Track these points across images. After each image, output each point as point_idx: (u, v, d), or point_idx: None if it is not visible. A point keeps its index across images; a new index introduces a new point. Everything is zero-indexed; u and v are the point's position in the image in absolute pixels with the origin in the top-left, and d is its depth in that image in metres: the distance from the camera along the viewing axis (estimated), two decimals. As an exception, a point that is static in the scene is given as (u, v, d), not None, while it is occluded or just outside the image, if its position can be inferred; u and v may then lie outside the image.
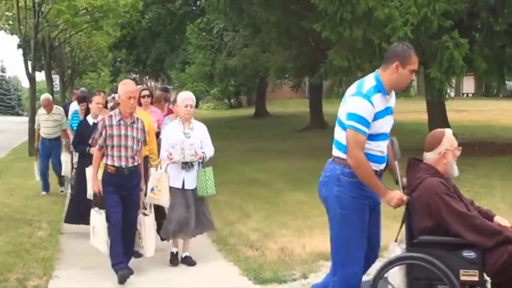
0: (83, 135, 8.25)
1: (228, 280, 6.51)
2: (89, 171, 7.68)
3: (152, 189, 6.94)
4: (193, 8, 38.00)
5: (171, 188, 6.92)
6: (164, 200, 6.93)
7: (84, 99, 10.38)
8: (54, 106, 12.16)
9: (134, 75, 51.75)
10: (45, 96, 12.40)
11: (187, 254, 7.12)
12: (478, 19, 15.00)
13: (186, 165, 6.92)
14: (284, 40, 17.88)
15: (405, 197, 4.43)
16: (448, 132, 4.71)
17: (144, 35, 38.76)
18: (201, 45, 27.60)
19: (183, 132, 6.96)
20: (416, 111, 26.94)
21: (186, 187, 6.96)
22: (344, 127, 4.47)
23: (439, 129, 4.83)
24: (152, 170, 7.34)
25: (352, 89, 4.54)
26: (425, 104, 18.23)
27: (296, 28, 16.71)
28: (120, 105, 6.57)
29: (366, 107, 4.35)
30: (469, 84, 49.76)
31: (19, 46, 31.18)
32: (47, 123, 11.87)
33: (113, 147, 6.46)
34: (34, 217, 9.54)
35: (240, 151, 18.56)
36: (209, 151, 7.06)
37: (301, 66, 18.39)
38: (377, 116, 4.40)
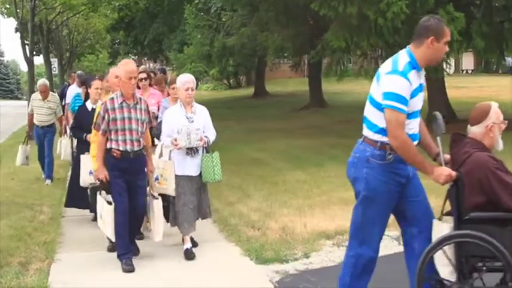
0: (81, 121, 8.09)
1: (229, 260, 6.54)
2: (84, 158, 7.64)
3: (157, 178, 6.73)
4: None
5: (176, 176, 6.61)
6: (170, 189, 6.64)
7: (84, 83, 10.16)
8: (50, 93, 11.66)
9: (133, 57, 51.60)
10: (43, 81, 11.95)
11: (188, 246, 6.72)
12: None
13: (191, 151, 6.61)
14: (282, 19, 17.80)
15: (454, 173, 4.30)
16: (495, 105, 4.53)
17: (142, 16, 38.60)
18: (199, 25, 27.45)
19: (185, 116, 6.63)
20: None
21: (191, 173, 6.64)
22: (380, 107, 4.32)
23: (484, 103, 4.61)
24: (156, 158, 6.94)
25: (386, 66, 4.37)
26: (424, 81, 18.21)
27: (294, 6, 16.64)
28: (121, 86, 6.32)
29: (404, 85, 4.21)
30: (468, 61, 49.59)
31: (16, 30, 31.03)
32: (41, 110, 11.39)
33: (116, 131, 6.23)
34: (35, 201, 9.55)
35: (239, 131, 18.54)
36: (211, 135, 6.81)
37: (299, 44, 18.32)
38: (413, 94, 4.27)
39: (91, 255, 6.86)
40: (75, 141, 9.72)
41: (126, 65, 6.39)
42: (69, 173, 9.99)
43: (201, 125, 6.69)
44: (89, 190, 7.21)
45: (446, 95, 17.94)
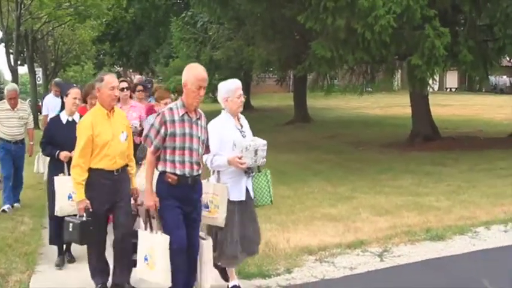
0: (53, 135, 6.85)
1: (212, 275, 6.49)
2: (59, 180, 6.54)
3: (206, 207, 5.46)
4: (178, 1, 37.88)
5: (229, 202, 5.44)
6: (221, 219, 5.44)
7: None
8: (19, 101, 9.86)
9: (118, 68, 51.51)
10: (12, 86, 10.08)
11: (235, 283, 5.77)
12: (461, 13, 15.10)
13: (250, 170, 5.56)
14: (268, 33, 17.87)
15: None
16: None
17: (128, 28, 38.60)
18: (184, 38, 27.50)
19: (237, 129, 5.64)
20: (400, 105, 27.06)
21: (244, 198, 5.57)
22: None
23: None
24: (204, 182, 5.50)
25: None
26: (409, 98, 18.33)
27: (280, 21, 16.72)
28: (185, 95, 5.18)
29: None
30: (452, 79, 50.09)
31: (1, 40, 30.91)
32: (11, 122, 9.57)
33: (174, 149, 5.11)
34: (16, 212, 9.47)
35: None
36: None
37: (285, 59, 18.37)
38: None
39: (72, 267, 6.79)
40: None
41: (195, 70, 5.24)
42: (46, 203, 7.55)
43: (250, 137, 5.70)
44: (68, 222, 5.59)
45: (430, 112, 18.06)
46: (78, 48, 39.04)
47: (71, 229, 5.52)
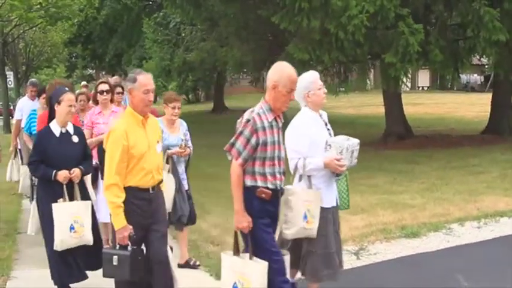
0: (46, 150, 5.60)
1: (189, 276, 6.49)
2: (58, 209, 5.49)
3: (305, 217, 4.73)
4: (150, 2, 37.73)
5: (322, 210, 4.86)
6: (315, 231, 4.83)
7: (41, 93, 8.40)
8: None
9: (90, 71, 51.12)
10: None
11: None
12: (432, 13, 15.27)
13: (337, 175, 5.01)
14: (242, 34, 17.89)
15: None
16: None
17: (101, 30, 38.34)
18: (157, 40, 27.40)
19: (325, 127, 5.06)
20: (373, 104, 27.25)
21: (334, 204, 5.08)
22: None
23: None
24: (298, 189, 4.82)
25: None
26: (382, 97, 18.47)
27: (254, 22, 16.74)
28: (273, 98, 4.54)
29: None
30: (424, 78, 50.63)
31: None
32: None
33: (264, 160, 4.50)
34: (-11, 217, 9.34)
35: (198, 146, 18.31)
36: None
37: (259, 59, 18.41)
38: None
39: (48, 272, 6.72)
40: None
41: (289, 70, 4.55)
42: (42, 236, 6.05)
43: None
44: (111, 255, 4.74)
45: (403, 111, 18.22)
46: (50, 51, 38.70)
47: (115, 263, 4.66)
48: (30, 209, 6.78)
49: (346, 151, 4.80)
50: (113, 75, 49.85)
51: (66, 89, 5.93)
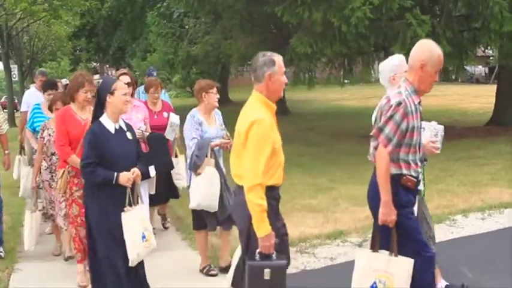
0: (104, 152, 4.83)
1: (192, 268, 6.50)
2: (128, 219, 4.80)
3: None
4: (154, -5, 37.69)
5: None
6: None
7: (53, 86, 7.68)
8: None
9: (95, 64, 51.15)
10: None
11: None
12: (437, 4, 15.21)
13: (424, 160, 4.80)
14: (246, 26, 17.86)
15: None
16: None
17: (104, 23, 38.31)
18: (161, 33, 27.35)
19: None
20: (377, 96, 27.20)
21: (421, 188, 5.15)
22: None
23: None
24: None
25: None
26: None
27: (258, 14, 16.70)
28: (419, 79, 4.32)
29: None
30: (428, 69, 50.43)
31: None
32: None
33: (409, 147, 4.28)
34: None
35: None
36: None
37: (263, 52, 18.36)
38: None
39: (51, 265, 6.76)
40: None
41: (438, 49, 4.34)
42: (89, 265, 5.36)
43: None
44: (261, 268, 4.03)
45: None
46: (54, 44, 38.75)
47: (267, 277, 4.00)
48: (26, 220, 6.75)
49: (440, 135, 4.84)
50: (117, 69, 49.96)
51: (116, 78, 5.37)
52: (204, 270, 6.26)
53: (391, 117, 4.17)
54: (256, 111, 4.18)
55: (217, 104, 6.31)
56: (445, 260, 5.57)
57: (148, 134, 6.83)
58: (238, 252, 4.51)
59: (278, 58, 4.25)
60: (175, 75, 37.00)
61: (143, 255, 4.94)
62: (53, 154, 6.64)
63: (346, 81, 19.25)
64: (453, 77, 48.30)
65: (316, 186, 10.21)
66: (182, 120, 6.77)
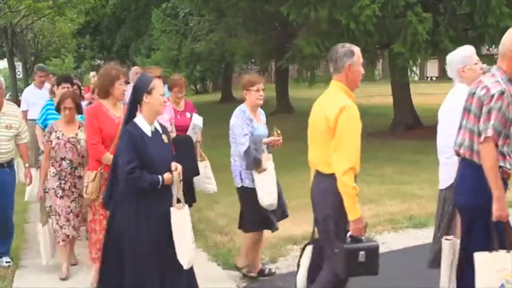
0: (143, 155, 4.41)
1: (197, 266, 6.49)
2: (185, 217, 4.53)
3: None
4: (158, -8, 37.70)
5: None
6: None
7: (67, 79, 7.25)
8: (5, 101, 6.58)
9: (99, 61, 51.18)
10: None
11: None
12: (441, 2, 15.19)
13: None
14: (250, 24, 17.88)
15: None
16: None
17: (109, 21, 38.36)
18: (165, 30, 27.36)
19: None
20: (381, 94, 27.16)
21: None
22: None
23: None
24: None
25: None
26: (390, 87, 18.41)
27: (262, 12, 16.71)
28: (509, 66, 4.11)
29: None
30: (433, 68, 50.27)
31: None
32: None
33: (506, 138, 4.10)
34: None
35: (207, 136, 18.39)
36: None
37: (267, 50, 18.38)
38: None
39: (56, 262, 6.76)
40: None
41: None
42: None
43: None
44: (356, 251, 4.14)
45: (411, 101, 18.15)
46: (59, 41, 38.74)
47: (362, 259, 4.12)
48: (40, 234, 6.37)
49: None
50: (122, 66, 50.07)
51: (151, 76, 4.81)
52: (244, 270, 6.12)
53: (499, 108, 3.94)
54: (342, 98, 4.25)
55: (260, 102, 5.93)
56: None
57: (174, 135, 6.52)
58: (308, 250, 4.57)
59: (357, 49, 4.34)
60: (179, 73, 37.04)
61: (194, 257, 4.69)
62: (62, 159, 6.17)
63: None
64: (457, 75, 48.39)
65: (319, 184, 10.15)
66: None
